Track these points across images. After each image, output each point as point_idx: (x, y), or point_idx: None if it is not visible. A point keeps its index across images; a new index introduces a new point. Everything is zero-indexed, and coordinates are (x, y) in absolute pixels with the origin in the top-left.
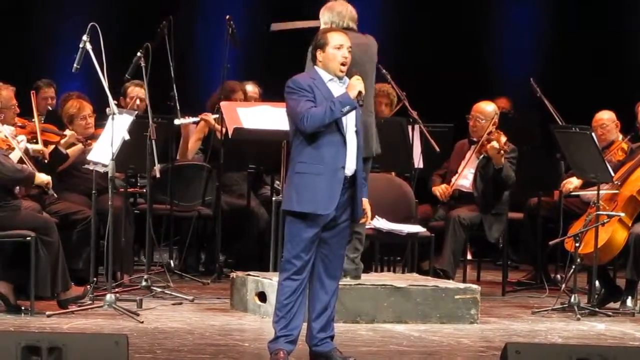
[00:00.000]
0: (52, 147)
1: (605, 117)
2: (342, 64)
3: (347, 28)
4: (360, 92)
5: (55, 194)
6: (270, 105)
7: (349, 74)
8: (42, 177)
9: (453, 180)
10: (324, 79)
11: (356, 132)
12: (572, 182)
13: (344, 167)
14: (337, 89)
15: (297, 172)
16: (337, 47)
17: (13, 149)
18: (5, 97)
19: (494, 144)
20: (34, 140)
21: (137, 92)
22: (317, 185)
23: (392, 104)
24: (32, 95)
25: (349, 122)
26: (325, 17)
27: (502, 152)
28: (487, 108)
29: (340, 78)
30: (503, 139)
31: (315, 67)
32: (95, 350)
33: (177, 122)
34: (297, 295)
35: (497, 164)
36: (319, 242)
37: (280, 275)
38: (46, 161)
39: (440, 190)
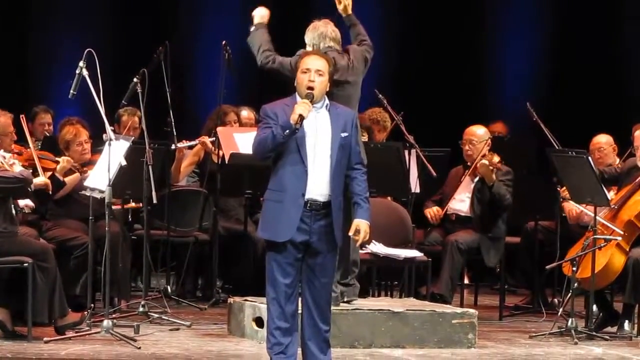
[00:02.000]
0: (48, 174)
1: (603, 140)
2: (309, 88)
3: (328, 48)
4: (300, 116)
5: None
6: None
7: (305, 95)
8: (39, 180)
9: (448, 203)
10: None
11: (331, 153)
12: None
13: (304, 194)
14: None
15: (264, 198)
16: (304, 70)
17: None
18: (2, 125)
19: (484, 161)
20: (30, 168)
21: (130, 120)
22: (277, 212)
23: (386, 129)
24: (22, 119)
25: (318, 142)
26: (307, 38)
27: (492, 168)
28: (479, 131)
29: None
30: (496, 158)
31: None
32: None
33: (174, 146)
34: (286, 320)
35: (489, 181)
36: (305, 268)
37: (266, 300)
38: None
39: (432, 212)
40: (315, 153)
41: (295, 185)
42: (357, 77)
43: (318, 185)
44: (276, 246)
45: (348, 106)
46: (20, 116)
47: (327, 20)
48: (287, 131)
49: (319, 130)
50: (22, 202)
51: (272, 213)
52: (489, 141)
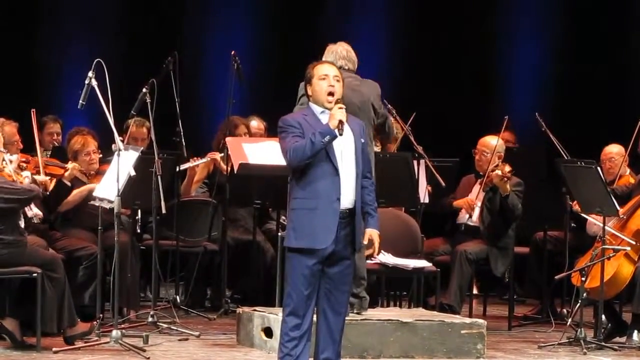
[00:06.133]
0: (55, 179)
1: (615, 150)
2: (329, 94)
3: (340, 68)
4: (340, 122)
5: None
6: (275, 140)
7: (336, 102)
8: (40, 178)
9: (461, 214)
10: (316, 113)
11: (355, 160)
12: None
13: (339, 199)
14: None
15: (293, 208)
16: (322, 77)
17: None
18: (8, 133)
19: (497, 172)
20: (38, 174)
21: (137, 132)
22: (313, 220)
23: (396, 139)
24: (32, 113)
25: (344, 150)
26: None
27: (505, 178)
28: (492, 142)
29: (331, 109)
30: (507, 168)
31: (309, 102)
32: None
33: (183, 166)
34: (301, 332)
35: (503, 192)
36: (322, 277)
37: (283, 311)
38: (48, 192)
39: (466, 201)
40: (342, 160)
41: (329, 191)
42: (367, 103)
43: (347, 191)
44: (305, 255)
45: None
46: (32, 110)
47: (342, 42)
48: (327, 137)
49: (343, 137)
50: (30, 212)
51: (307, 221)
52: (502, 153)
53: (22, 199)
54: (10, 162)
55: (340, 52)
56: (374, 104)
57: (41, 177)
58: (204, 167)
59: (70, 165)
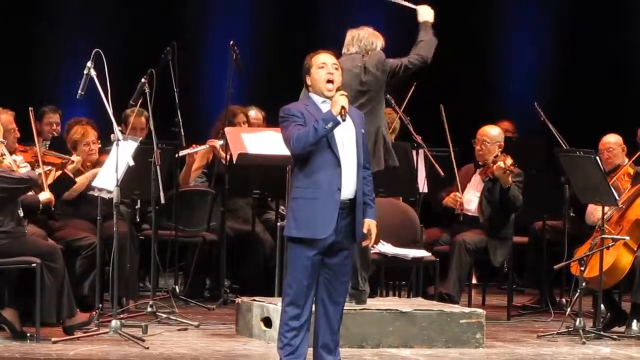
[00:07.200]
0: (59, 172)
1: (612, 140)
2: (328, 81)
3: (347, 54)
4: (343, 108)
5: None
6: (274, 130)
7: (337, 89)
8: (43, 197)
9: (460, 195)
10: (317, 102)
11: (357, 151)
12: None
13: (339, 189)
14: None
15: (294, 197)
16: (320, 66)
17: None
18: (4, 121)
19: (500, 164)
20: (37, 164)
21: (137, 120)
22: (314, 209)
23: (395, 130)
24: (30, 112)
25: (346, 140)
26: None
27: (508, 172)
28: (493, 132)
29: (332, 98)
30: (509, 160)
31: (309, 93)
32: None
33: (183, 152)
34: (301, 322)
35: (505, 184)
36: (322, 267)
37: (282, 301)
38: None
39: (452, 199)
40: (344, 150)
41: (330, 181)
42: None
43: (348, 182)
44: (306, 245)
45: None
46: (29, 109)
47: (363, 27)
48: (331, 124)
49: (344, 128)
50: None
51: (308, 210)
52: (502, 143)
53: (20, 187)
54: (15, 161)
55: (349, 38)
56: (377, 73)
57: (44, 196)
58: (203, 154)
59: (76, 158)
